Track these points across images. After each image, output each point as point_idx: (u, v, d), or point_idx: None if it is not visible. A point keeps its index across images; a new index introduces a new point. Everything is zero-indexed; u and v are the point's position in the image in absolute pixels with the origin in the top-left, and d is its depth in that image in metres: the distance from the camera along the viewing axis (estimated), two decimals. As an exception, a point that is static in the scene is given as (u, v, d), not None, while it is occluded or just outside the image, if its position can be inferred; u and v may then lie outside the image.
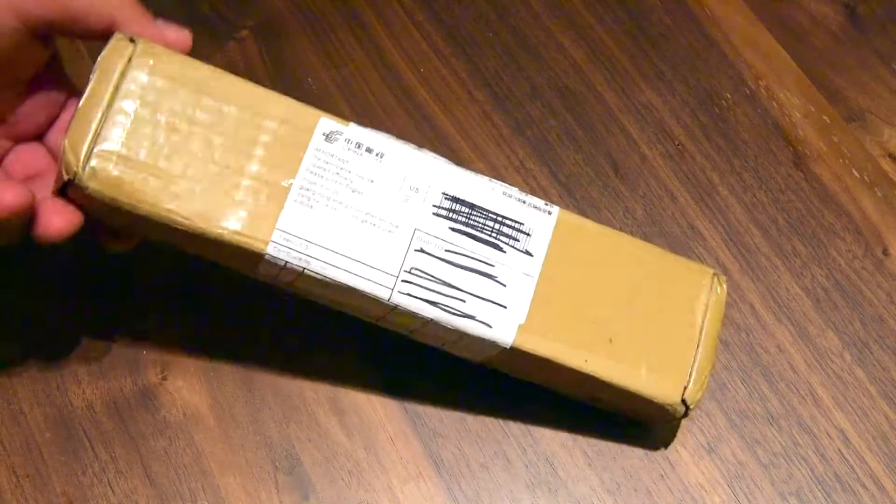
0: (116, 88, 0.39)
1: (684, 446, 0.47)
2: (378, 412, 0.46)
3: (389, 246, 0.40)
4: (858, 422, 0.48)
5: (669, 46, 0.57)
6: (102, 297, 0.47)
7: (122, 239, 0.43)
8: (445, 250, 0.41)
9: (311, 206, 0.40)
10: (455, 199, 0.41)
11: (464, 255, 0.41)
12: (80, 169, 0.37)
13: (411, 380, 0.46)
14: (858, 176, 0.54)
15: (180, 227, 0.39)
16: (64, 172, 0.38)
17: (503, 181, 0.52)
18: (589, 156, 0.53)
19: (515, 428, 0.46)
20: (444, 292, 0.41)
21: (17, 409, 0.44)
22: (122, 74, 0.39)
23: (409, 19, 0.56)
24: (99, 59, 0.39)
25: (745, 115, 0.55)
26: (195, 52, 0.55)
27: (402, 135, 0.53)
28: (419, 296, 0.40)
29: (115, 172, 0.38)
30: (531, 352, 0.41)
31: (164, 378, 0.46)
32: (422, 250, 0.41)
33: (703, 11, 0.58)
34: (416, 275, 0.40)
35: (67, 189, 0.38)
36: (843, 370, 0.49)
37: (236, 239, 0.39)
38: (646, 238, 0.51)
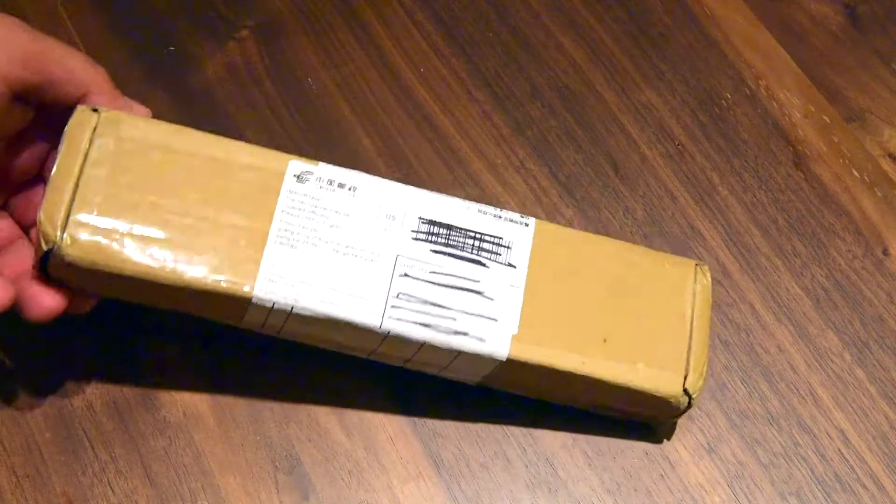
0: (86, 156, 0.39)
1: (684, 446, 0.47)
2: (378, 412, 0.46)
3: (374, 275, 0.40)
4: (858, 422, 0.48)
5: (669, 46, 0.57)
6: (102, 297, 0.47)
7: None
8: (430, 272, 0.41)
9: (293, 246, 0.40)
10: (432, 222, 0.42)
11: (448, 274, 0.41)
12: (58, 238, 0.38)
13: (411, 379, 0.46)
14: (858, 176, 0.54)
15: (165, 283, 0.39)
16: (42, 243, 0.38)
17: (503, 181, 0.52)
18: (589, 156, 0.53)
19: (515, 428, 0.46)
20: (433, 313, 0.41)
21: (17, 409, 0.44)
22: (90, 142, 0.39)
23: (409, 19, 0.56)
24: (65, 130, 0.39)
25: (745, 115, 0.55)
26: (196, 52, 0.55)
27: (401, 135, 0.53)
28: (410, 319, 0.40)
29: (94, 238, 0.38)
30: (528, 361, 0.41)
31: (164, 378, 0.46)
32: (406, 275, 0.41)
33: (703, 11, 0.58)
34: (404, 299, 0.40)
35: (48, 259, 0.38)
36: (843, 370, 0.49)
37: (222, 287, 0.39)
38: (646, 238, 0.51)
